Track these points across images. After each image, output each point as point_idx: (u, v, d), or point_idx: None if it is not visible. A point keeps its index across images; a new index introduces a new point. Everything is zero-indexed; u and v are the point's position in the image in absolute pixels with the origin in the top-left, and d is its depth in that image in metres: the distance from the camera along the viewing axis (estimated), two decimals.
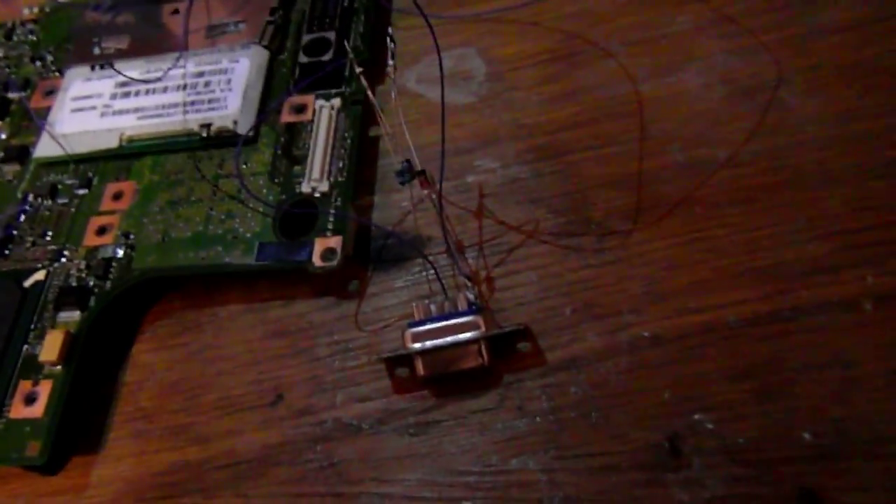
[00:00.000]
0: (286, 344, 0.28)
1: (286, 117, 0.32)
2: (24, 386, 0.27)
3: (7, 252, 0.31)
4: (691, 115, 0.30)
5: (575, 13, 0.34)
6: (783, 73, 0.30)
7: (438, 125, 0.28)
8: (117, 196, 0.31)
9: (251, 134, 0.31)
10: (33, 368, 0.28)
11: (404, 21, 0.36)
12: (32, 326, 0.28)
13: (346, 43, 0.32)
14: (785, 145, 0.28)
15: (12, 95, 0.36)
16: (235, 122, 0.31)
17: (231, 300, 0.30)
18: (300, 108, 0.32)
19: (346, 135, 0.31)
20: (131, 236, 0.30)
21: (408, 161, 0.26)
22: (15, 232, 0.31)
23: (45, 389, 0.27)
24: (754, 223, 0.27)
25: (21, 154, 0.34)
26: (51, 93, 0.36)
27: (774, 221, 0.27)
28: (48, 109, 0.35)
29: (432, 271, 0.28)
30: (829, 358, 0.24)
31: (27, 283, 0.30)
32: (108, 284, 0.29)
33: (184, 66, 0.33)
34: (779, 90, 0.29)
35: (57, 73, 0.36)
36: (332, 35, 0.33)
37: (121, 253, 0.30)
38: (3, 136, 0.35)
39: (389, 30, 0.27)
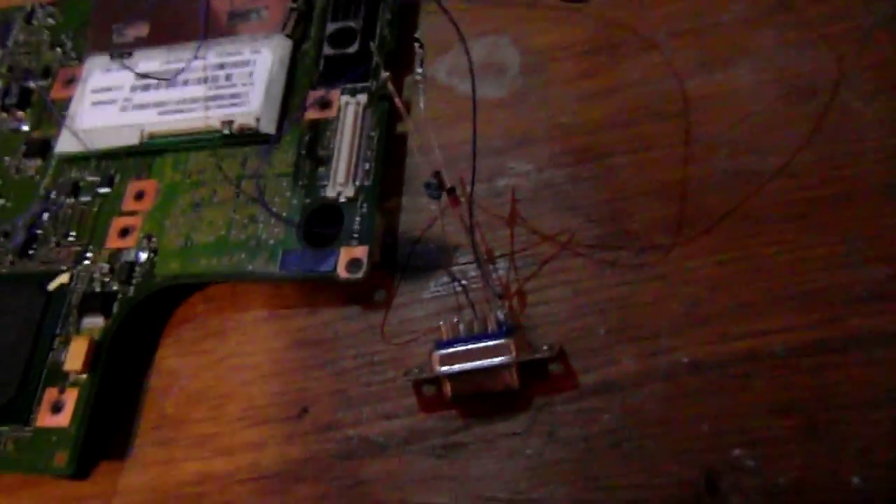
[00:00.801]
0: (311, 354, 0.28)
1: (311, 113, 0.30)
2: (51, 394, 0.27)
3: (32, 252, 0.31)
4: (741, 118, 0.28)
5: None
6: (845, 72, 0.27)
7: (469, 122, 0.26)
8: (139, 195, 0.31)
9: (277, 137, 0.30)
10: (59, 376, 0.27)
11: (432, 4, 0.34)
12: (57, 332, 0.28)
13: (371, 45, 0.30)
14: (844, 154, 0.26)
15: (32, 85, 0.35)
16: (258, 120, 0.30)
17: (254, 305, 0.29)
18: (325, 104, 0.30)
19: (373, 134, 0.29)
20: (154, 239, 0.29)
21: (438, 174, 0.25)
22: (39, 231, 0.31)
23: (71, 398, 0.27)
24: (806, 241, 0.25)
25: (43, 148, 0.33)
26: (71, 82, 0.35)
27: (828, 240, 0.25)
28: (69, 100, 0.34)
29: (461, 283, 0.27)
30: (882, 395, 0.22)
31: (51, 287, 0.29)
32: (132, 290, 0.28)
33: (204, 58, 0.32)
34: (839, 91, 0.27)
35: (77, 61, 0.35)
36: (357, 24, 0.31)
37: (143, 257, 0.29)
38: (25, 128, 0.34)
39: (417, 34, 0.25)
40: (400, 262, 0.29)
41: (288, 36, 0.32)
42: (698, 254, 0.26)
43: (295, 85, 0.32)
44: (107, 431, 0.28)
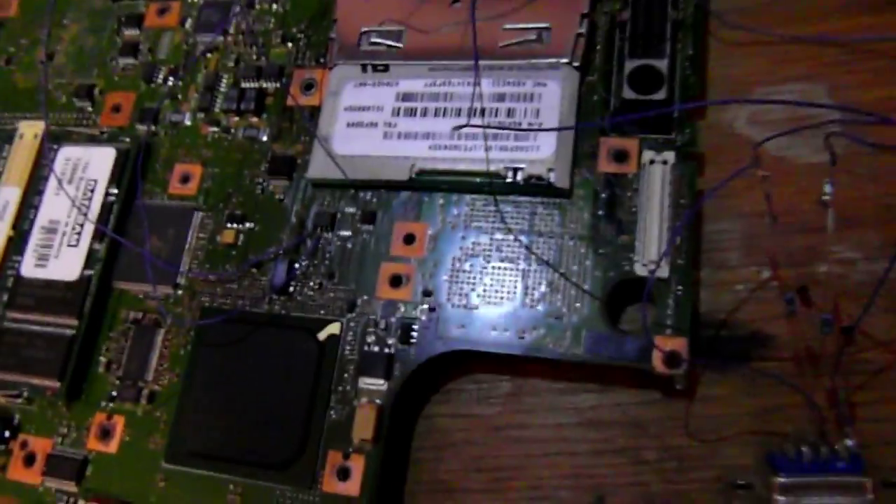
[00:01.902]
0: (605, 437, 0.26)
1: (605, 165, 0.28)
2: (334, 457, 0.26)
3: (292, 290, 0.29)
4: None
5: None
6: None
7: (776, 186, 0.24)
8: (409, 239, 0.28)
9: (569, 191, 0.27)
10: (340, 438, 0.26)
11: (727, 34, 0.30)
12: (333, 388, 0.27)
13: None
14: None
15: (267, 86, 0.32)
16: (551, 171, 0.27)
17: (534, 373, 0.28)
18: (621, 156, 0.27)
19: (682, 201, 0.26)
20: (432, 297, 0.27)
21: (802, 290, 0.22)
22: (297, 266, 0.29)
23: (358, 465, 0.26)
24: None
25: (288, 167, 0.31)
26: (310, 88, 0.32)
27: None
28: (311, 111, 0.31)
29: (782, 382, 0.25)
30: None
31: (322, 336, 0.28)
32: (413, 352, 0.27)
33: (478, 84, 0.29)
34: None
35: (313, 63, 0.32)
36: (663, 64, 0.28)
37: (423, 317, 0.27)
38: (264, 138, 0.32)
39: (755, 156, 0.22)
40: (702, 345, 0.27)
41: (576, 67, 0.29)
42: None
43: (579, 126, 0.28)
44: (388, 496, 0.27)
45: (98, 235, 0.31)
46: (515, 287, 0.27)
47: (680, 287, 0.25)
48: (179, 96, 0.34)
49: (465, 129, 0.28)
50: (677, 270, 0.26)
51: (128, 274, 0.31)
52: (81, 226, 0.31)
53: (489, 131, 0.28)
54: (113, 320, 0.31)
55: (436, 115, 0.29)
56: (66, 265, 0.31)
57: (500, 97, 0.29)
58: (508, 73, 0.29)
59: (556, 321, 0.26)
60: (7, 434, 0.30)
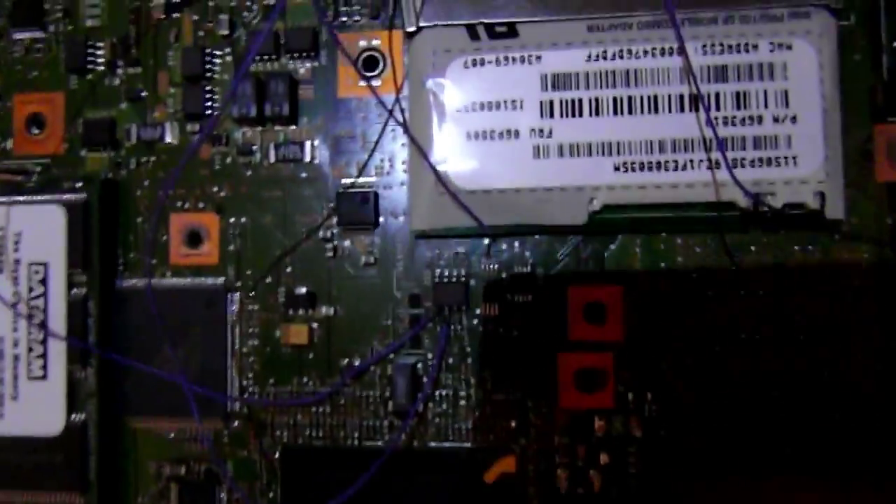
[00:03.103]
0: None
1: (884, 171, 0.18)
2: None
3: (423, 409, 0.19)
4: None
5: None
6: None
7: None
8: (594, 313, 0.18)
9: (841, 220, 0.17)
10: None
11: None
12: None
13: None
14: None
15: (297, 66, 0.19)
16: (822, 196, 0.17)
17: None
18: None
19: None
20: (651, 402, 0.18)
21: None
22: (421, 369, 0.19)
23: None
24: None
25: (368, 207, 0.19)
26: (372, 66, 0.19)
27: None
28: (390, 108, 0.19)
29: None
30: None
31: (489, 478, 0.19)
32: (634, 485, 0.18)
33: (698, 49, 0.17)
34: None
35: (369, 19, 0.19)
36: None
37: (639, 433, 0.18)
38: (316, 161, 0.19)
39: None
40: None
41: (833, 11, 0.18)
42: None
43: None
44: None
45: (77, 355, 0.19)
46: (791, 381, 0.18)
47: None
48: (144, 93, 0.21)
49: (664, 131, 0.18)
50: None
51: (142, 406, 0.20)
52: (42, 343, 0.19)
53: (705, 130, 0.18)
54: (137, 482, 0.20)
55: (616, 111, 0.18)
56: (37, 412, 0.19)
57: (721, 73, 0.18)
58: (726, 29, 0.18)
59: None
60: None
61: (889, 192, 0.18)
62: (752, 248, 0.18)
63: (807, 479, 0.18)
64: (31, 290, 0.19)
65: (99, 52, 0.20)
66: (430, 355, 0.19)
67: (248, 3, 0.20)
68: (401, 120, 0.19)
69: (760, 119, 0.18)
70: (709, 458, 0.18)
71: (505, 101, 0.18)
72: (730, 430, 0.18)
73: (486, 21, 0.18)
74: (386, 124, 0.19)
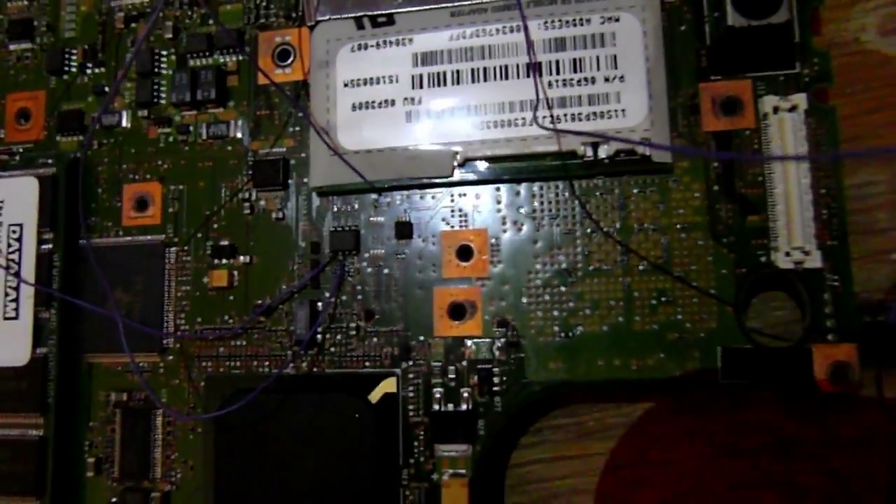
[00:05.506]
0: (750, 463, 0.22)
1: (710, 121, 0.21)
2: None
3: (322, 338, 0.22)
4: None
5: None
6: None
7: None
8: (463, 254, 0.22)
9: (671, 166, 0.20)
10: None
11: None
12: (403, 462, 0.21)
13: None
14: None
15: (225, 60, 0.24)
16: (646, 140, 0.20)
17: (653, 398, 0.22)
18: (730, 105, 0.21)
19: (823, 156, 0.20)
20: (512, 325, 0.21)
21: None
22: (329, 311, 0.22)
23: None
24: None
25: (279, 172, 0.23)
26: (285, 57, 0.23)
27: None
28: (296, 89, 0.23)
29: None
30: None
31: (373, 398, 0.22)
32: (498, 403, 0.21)
33: (522, 29, 0.21)
34: None
35: (283, 20, 0.24)
36: None
37: (501, 354, 0.21)
38: (238, 136, 0.23)
39: None
40: (861, 332, 0.21)
41: None
42: None
43: (674, 73, 0.21)
44: None
45: (42, 299, 0.23)
46: (622, 305, 0.21)
47: (837, 278, 0.20)
48: (107, 88, 0.25)
49: (513, 95, 0.21)
50: (831, 252, 0.20)
51: (97, 343, 0.23)
52: (15, 289, 0.24)
53: (552, 93, 0.21)
54: (90, 406, 0.24)
55: (473, 79, 0.22)
56: (8, 346, 0.23)
57: (561, 43, 0.21)
58: (564, 10, 0.21)
59: (679, 342, 0.20)
60: None
61: (716, 139, 0.21)
62: (598, 193, 0.21)
63: None
64: (9, 245, 0.24)
65: (73, 57, 0.25)
66: (327, 294, 0.22)
67: (189, 13, 0.25)
68: (301, 104, 0.23)
69: (594, 80, 0.21)
70: None
71: (383, 77, 0.22)
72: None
73: (369, 14, 0.22)
74: (297, 100, 0.23)
